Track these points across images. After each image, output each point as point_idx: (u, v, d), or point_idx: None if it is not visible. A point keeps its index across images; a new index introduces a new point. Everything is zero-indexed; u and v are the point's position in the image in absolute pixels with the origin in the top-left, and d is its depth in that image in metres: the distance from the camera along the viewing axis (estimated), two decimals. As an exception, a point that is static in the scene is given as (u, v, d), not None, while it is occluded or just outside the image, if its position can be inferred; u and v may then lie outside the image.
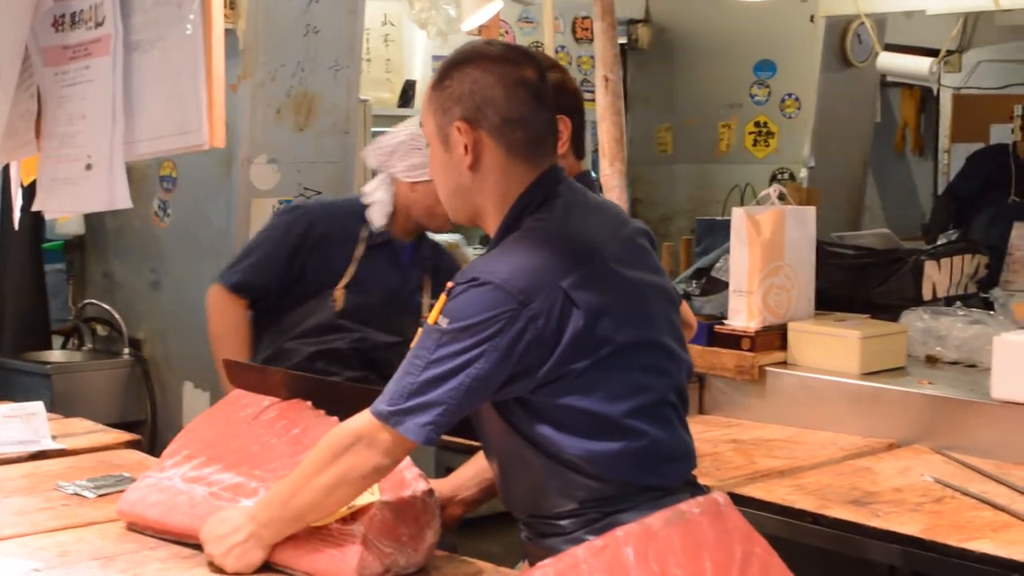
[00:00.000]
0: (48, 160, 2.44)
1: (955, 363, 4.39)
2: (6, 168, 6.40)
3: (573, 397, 2.46)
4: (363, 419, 2.50)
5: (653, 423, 2.53)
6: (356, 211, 4.10)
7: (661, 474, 2.55)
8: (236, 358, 3.82)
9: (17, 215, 2.69)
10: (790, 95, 7.93)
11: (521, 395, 2.49)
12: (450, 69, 2.61)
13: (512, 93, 2.57)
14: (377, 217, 4.04)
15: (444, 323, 2.43)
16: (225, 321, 4.09)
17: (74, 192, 2.37)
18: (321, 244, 4.05)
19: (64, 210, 2.57)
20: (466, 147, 2.57)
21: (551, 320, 2.42)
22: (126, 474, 3.33)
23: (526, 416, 2.51)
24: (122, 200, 2.33)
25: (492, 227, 2.63)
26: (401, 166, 3.98)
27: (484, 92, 2.55)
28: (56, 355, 6.22)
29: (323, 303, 4.04)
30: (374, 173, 4.13)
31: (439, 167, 2.65)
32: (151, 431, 5.85)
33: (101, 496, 3.20)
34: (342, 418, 2.64)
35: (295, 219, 4.11)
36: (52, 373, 5.82)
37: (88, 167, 2.33)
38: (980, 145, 8.87)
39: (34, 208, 2.50)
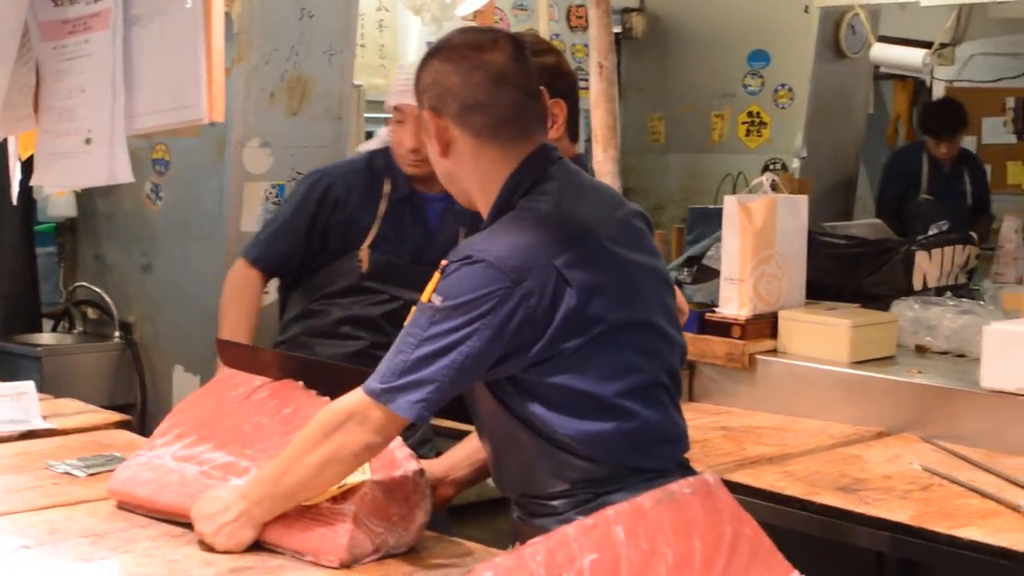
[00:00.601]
0: (46, 134, 2.44)
1: (945, 353, 4.40)
2: (2, 148, 6.44)
3: (565, 376, 2.47)
4: (355, 397, 2.51)
5: (645, 404, 2.54)
6: (379, 168, 4.07)
7: (653, 456, 2.56)
8: (235, 332, 3.83)
9: (16, 189, 2.68)
10: (783, 85, 7.93)
11: (513, 374, 2.49)
12: (423, 61, 2.68)
13: (468, 79, 2.60)
14: (373, 143, 4.07)
15: (437, 301, 2.44)
16: (235, 294, 4.07)
17: (73, 166, 2.36)
18: (342, 205, 4.03)
19: (63, 184, 2.58)
20: (436, 136, 2.61)
21: (544, 298, 2.42)
22: (117, 454, 3.33)
23: (518, 396, 2.51)
24: (123, 174, 2.32)
25: (484, 208, 2.64)
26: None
27: (442, 81, 2.61)
28: (46, 338, 6.20)
29: (349, 264, 4.02)
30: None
31: (431, 154, 2.69)
32: (141, 414, 5.83)
33: (91, 475, 3.20)
34: (333, 398, 2.64)
35: (312, 184, 4.11)
36: (43, 356, 5.80)
37: (88, 141, 2.32)
38: (972, 138, 8.88)
39: (33, 182, 2.49)
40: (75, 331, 6.25)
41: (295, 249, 4.05)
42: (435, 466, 2.91)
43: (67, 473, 3.22)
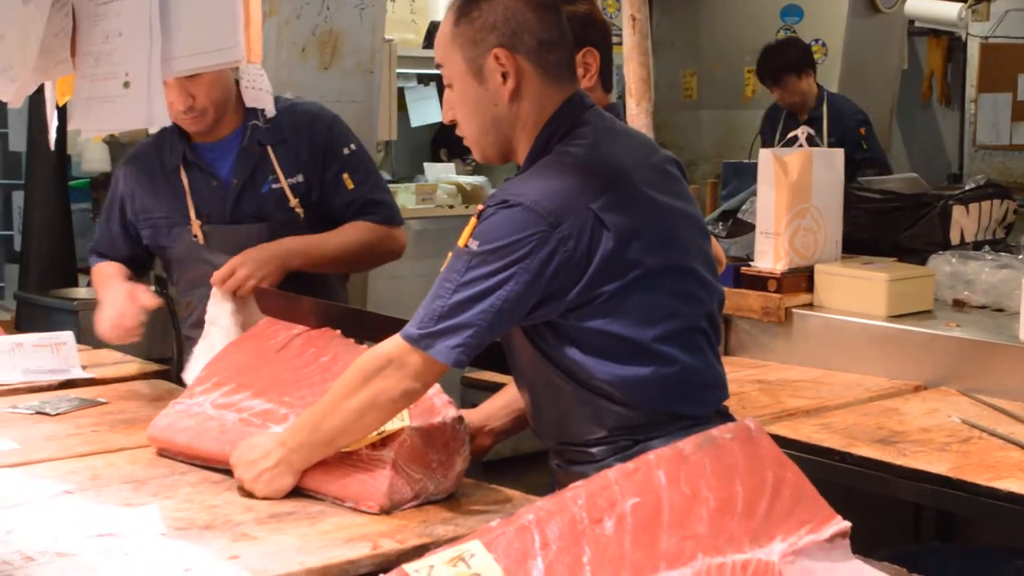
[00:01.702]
0: (84, 79, 2.43)
1: (983, 307, 4.37)
2: (34, 110, 6.45)
3: (602, 321, 2.46)
4: (393, 343, 2.51)
5: (683, 349, 2.53)
6: (163, 140, 3.71)
7: (691, 401, 2.56)
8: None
9: (52, 135, 2.68)
10: (817, 41, 7.88)
11: (551, 319, 2.49)
12: (475, 0, 2.59)
13: (543, 15, 2.57)
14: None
15: (474, 245, 2.43)
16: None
17: (111, 110, 2.35)
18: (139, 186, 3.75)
19: (101, 128, 2.57)
20: (504, 75, 2.56)
21: (581, 242, 2.41)
22: (100, 398, 3.49)
23: (556, 341, 2.51)
24: (161, 118, 2.32)
25: (523, 156, 2.62)
26: None
27: (518, 17, 2.55)
28: (83, 292, 6.23)
29: (184, 244, 3.67)
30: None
31: (471, 103, 2.61)
32: (177, 368, 5.85)
33: (60, 414, 3.31)
34: (371, 346, 2.64)
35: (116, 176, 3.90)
36: (79, 309, 5.83)
37: (126, 85, 2.31)
38: (1007, 95, 8.81)
39: (70, 127, 2.49)
40: (110, 285, 6.26)
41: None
42: (473, 416, 2.91)
43: (39, 412, 3.33)
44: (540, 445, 2.75)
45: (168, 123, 2.41)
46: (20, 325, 6.09)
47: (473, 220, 2.48)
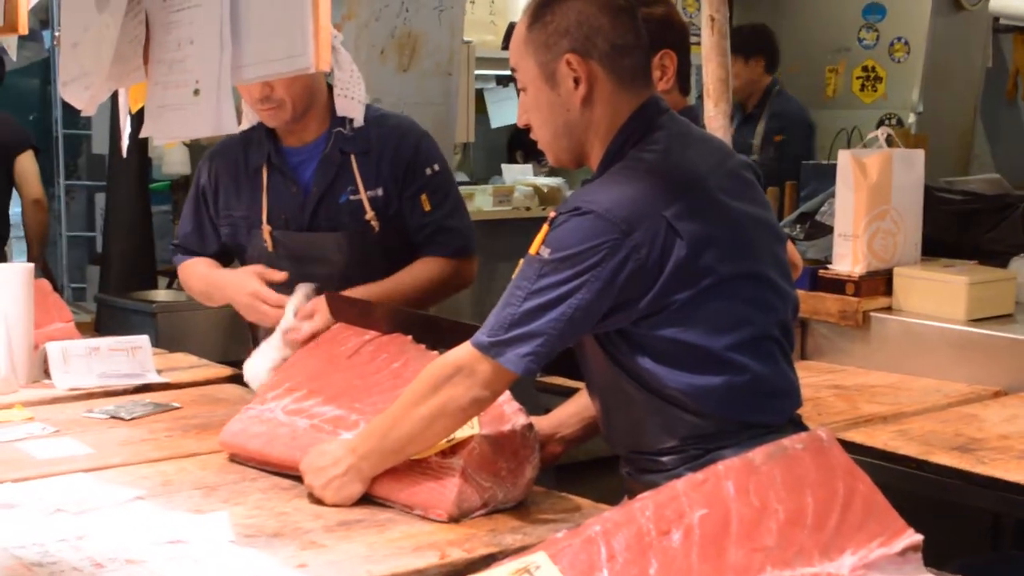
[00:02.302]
0: (156, 86, 2.45)
1: (1064, 311, 4.31)
2: (114, 113, 6.52)
3: (674, 329, 2.44)
4: (463, 351, 2.50)
5: (756, 358, 2.51)
6: (252, 139, 3.70)
7: (763, 410, 2.53)
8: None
9: (125, 142, 2.71)
10: (899, 39, 7.79)
11: (622, 327, 2.47)
12: (548, 4, 2.57)
13: (617, 20, 2.55)
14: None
15: (546, 253, 2.42)
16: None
17: (182, 117, 2.37)
18: (212, 191, 3.75)
19: (171, 136, 2.58)
20: (576, 80, 2.54)
21: (654, 250, 2.39)
22: (174, 403, 3.50)
23: (628, 349, 2.49)
24: (229, 124, 2.32)
25: (596, 161, 2.60)
26: None
27: (591, 21, 2.53)
28: (162, 295, 6.32)
29: (256, 248, 3.67)
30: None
31: (544, 108, 2.60)
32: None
33: (135, 419, 3.33)
34: (442, 352, 2.63)
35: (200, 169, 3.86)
36: (157, 312, 5.90)
37: (196, 92, 2.33)
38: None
39: (142, 135, 2.51)
40: (189, 288, 6.32)
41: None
42: (544, 423, 2.89)
43: (113, 416, 3.34)
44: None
45: (235, 130, 2.41)
46: (100, 327, 6.16)
47: (545, 227, 2.46)
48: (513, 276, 2.48)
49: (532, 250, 2.45)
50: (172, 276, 6.46)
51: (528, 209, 6.95)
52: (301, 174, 3.62)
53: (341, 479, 2.61)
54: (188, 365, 3.98)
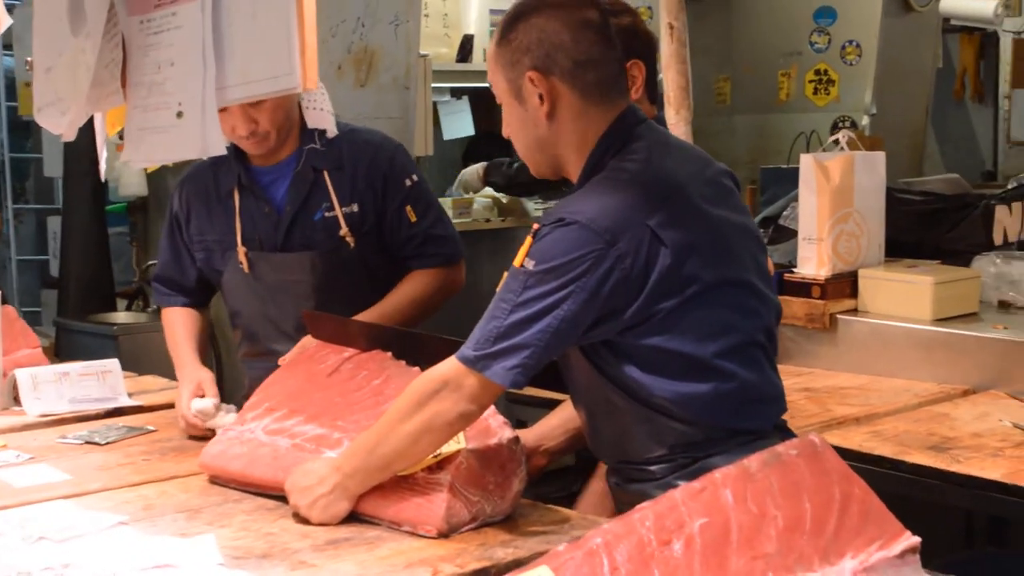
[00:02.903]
0: (135, 109, 2.42)
1: (1029, 308, 4.34)
2: (86, 127, 6.47)
3: (660, 338, 2.45)
4: (449, 365, 2.49)
5: (742, 364, 2.52)
6: (219, 161, 3.58)
7: (751, 417, 2.54)
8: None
9: (103, 166, 2.68)
10: (851, 42, 7.82)
11: (608, 337, 2.47)
12: (513, 22, 2.59)
13: (579, 35, 2.56)
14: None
15: (530, 265, 2.42)
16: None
17: (165, 141, 2.35)
18: (183, 218, 3.70)
19: (153, 159, 2.55)
20: (541, 97, 2.55)
21: (638, 259, 2.40)
22: (148, 426, 3.49)
23: (614, 359, 2.49)
24: (216, 146, 2.31)
25: (575, 174, 2.60)
26: None
27: (552, 39, 2.54)
28: (121, 316, 6.26)
29: (232, 271, 3.63)
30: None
31: (516, 123, 2.63)
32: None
33: (109, 443, 3.30)
34: (424, 368, 2.62)
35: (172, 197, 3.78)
36: (119, 334, 5.85)
37: (179, 115, 2.31)
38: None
39: (122, 159, 2.49)
40: (149, 309, 6.29)
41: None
42: (528, 436, 2.89)
43: (89, 441, 3.32)
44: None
45: (223, 151, 2.39)
46: (59, 351, 6.10)
47: (529, 239, 2.47)
48: (497, 289, 2.48)
49: (516, 262, 2.45)
50: (131, 298, 6.42)
51: (488, 221, 6.93)
52: (273, 194, 3.58)
53: (327, 498, 2.59)
54: (159, 387, 3.95)
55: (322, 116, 3.52)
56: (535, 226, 2.48)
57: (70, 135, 2.63)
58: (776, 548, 1.88)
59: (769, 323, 2.63)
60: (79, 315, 6.26)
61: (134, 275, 6.54)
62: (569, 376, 2.65)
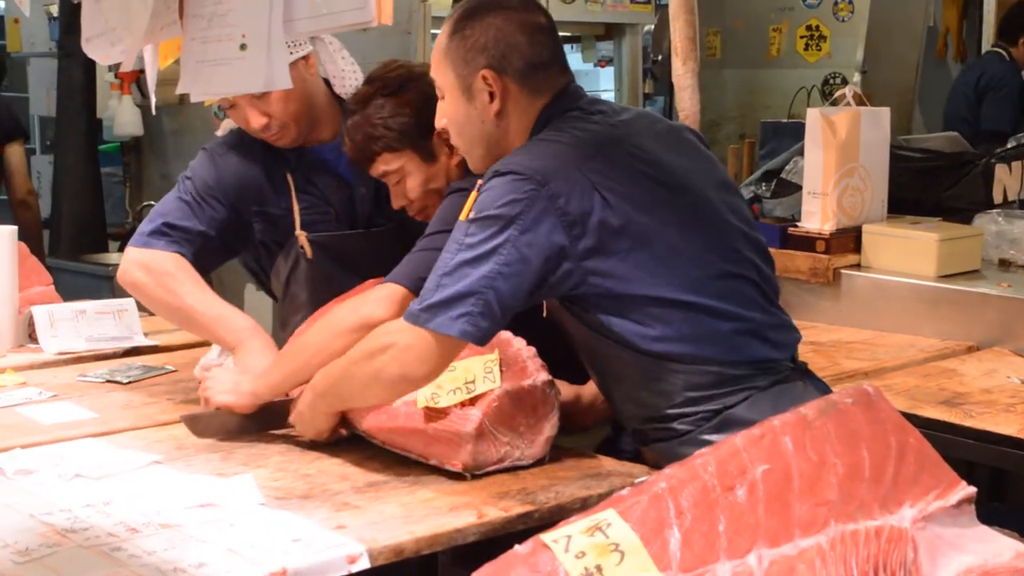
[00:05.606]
0: (193, 41, 2.37)
1: (1030, 266, 4.37)
2: (63, 75, 6.36)
3: (637, 284, 2.46)
4: (396, 324, 2.48)
5: (730, 299, 2.53)
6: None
7: (752, 349, 2.55)
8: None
9: (153, 100, 2.63)
10: (843, -1, 7.84)
11: (578, 290, 2.47)
12: (468, 19, 2.61)
13: (534, 38, 2.60)
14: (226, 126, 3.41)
15: (472, 216, 2.44)
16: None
17: (226, 73, 2.29)
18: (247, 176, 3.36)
19: (213, 92, 2.51)
20: (492, 95, 2.58)
21: (572, 199, 2.41)
22: (168, 366, 3.52)
23: (605, 317, 2.50)
24: (282, 80, 2.25)
25: None
26: None
27: (508, 39, 2.58)
28: (115, 257, 6.22)
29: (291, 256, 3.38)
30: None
31: (460, 118, 2.64)
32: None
33: (132, 382, 3.33)
34: None
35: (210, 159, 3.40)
36: (114, 275, 5.78)
37: (243, 47, 2.26)
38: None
39: (178, 91, 2.42)
40: (142, 250, 6.23)
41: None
42: (585, 391, 2.90)
43: (109, 380, 3.34)
44: None
45: (288, 85, 2.33)
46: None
47: (473, 194, 2.48)
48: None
49: (462, 217, 2.46)
50: (123, 239, 6.38)
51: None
52: (342, 171, 3.38)
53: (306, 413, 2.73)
54: (173, 327, 3.93)
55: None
56: (480, 183, 2.50)
57: (128, 64, 2.56)
58: (837, 495, 1.89)
59: (753, 259, 2.62)
60: (71, 255, 6.22)
61: (126, 216, 6.51)
62: (572, 346, 2.65)
